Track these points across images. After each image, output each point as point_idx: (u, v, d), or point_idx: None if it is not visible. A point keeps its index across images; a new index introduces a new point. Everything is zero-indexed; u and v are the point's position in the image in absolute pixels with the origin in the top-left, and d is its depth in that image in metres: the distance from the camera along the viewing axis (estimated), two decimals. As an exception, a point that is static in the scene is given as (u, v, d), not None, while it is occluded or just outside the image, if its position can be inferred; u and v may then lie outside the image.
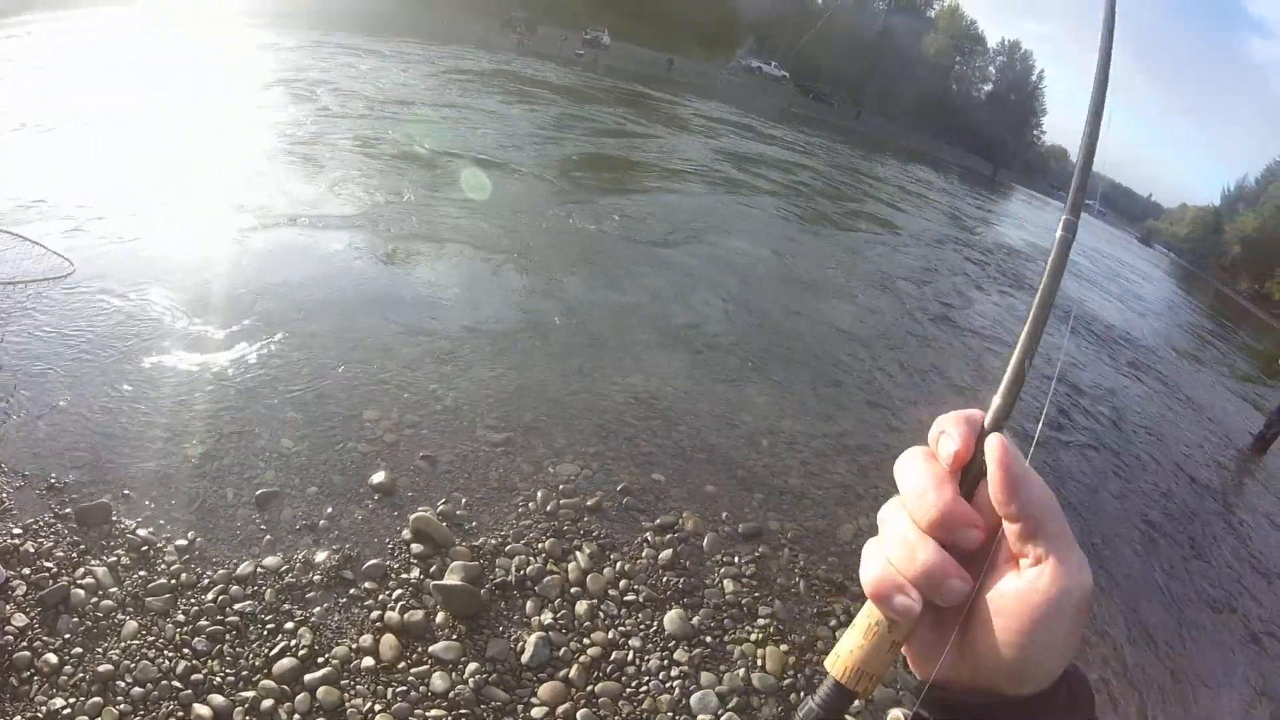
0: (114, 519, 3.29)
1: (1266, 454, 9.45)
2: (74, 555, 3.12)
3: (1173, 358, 12.70)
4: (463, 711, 2.61)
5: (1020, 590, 0.44)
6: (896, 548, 0.47)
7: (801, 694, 2.75)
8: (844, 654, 0.49)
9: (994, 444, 0.45)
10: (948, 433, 0.47)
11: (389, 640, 2.83)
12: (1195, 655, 4.37)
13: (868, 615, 0.49)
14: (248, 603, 2.99)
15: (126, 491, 3.44)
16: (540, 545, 3.30)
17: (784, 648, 2.93)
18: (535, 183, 8.90)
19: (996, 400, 0.48)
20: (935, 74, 60.72)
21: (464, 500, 3.57)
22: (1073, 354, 9.33)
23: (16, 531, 3.18)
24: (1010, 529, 0.45)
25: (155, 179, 7.08)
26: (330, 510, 3.47)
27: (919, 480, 0.47)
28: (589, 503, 3.59)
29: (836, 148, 14.50)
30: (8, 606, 2.87)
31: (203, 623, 2.89)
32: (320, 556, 3.21)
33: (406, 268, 6.09)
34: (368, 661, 2.76)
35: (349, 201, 7.31)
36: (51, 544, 3.15)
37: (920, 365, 6.95)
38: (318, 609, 2.98)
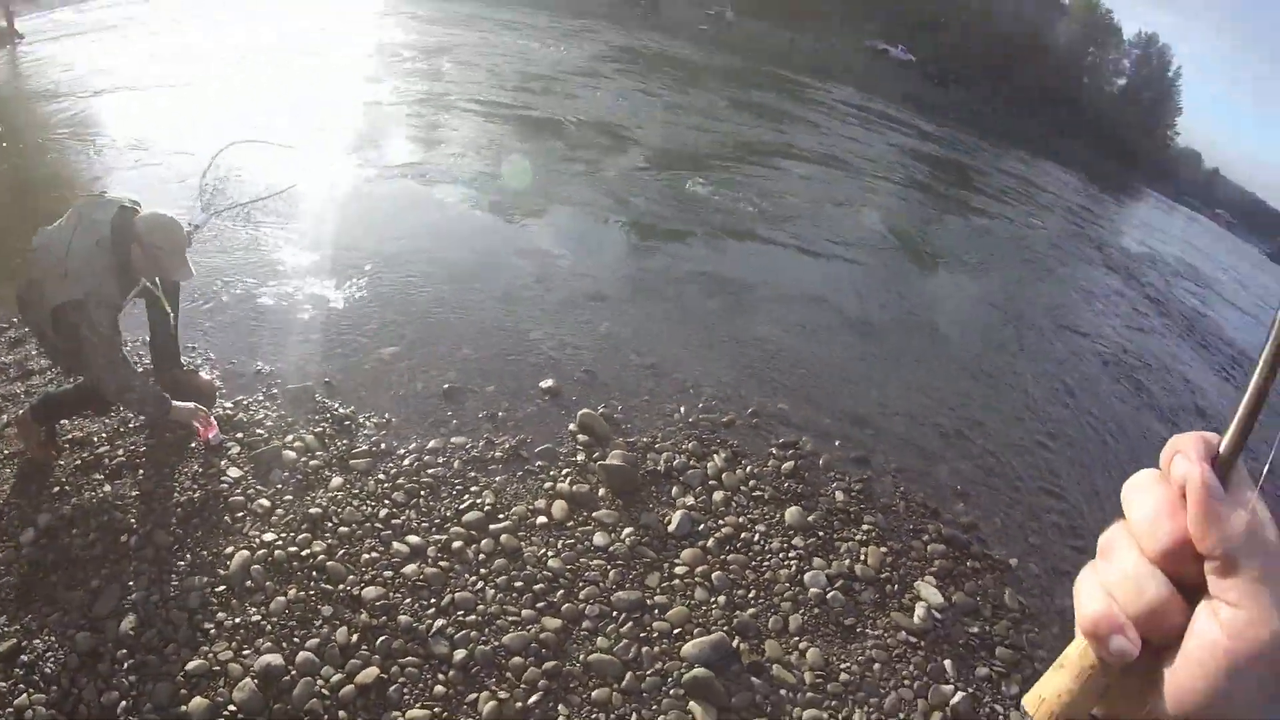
0: (318, 399, 3.77)
1: None
2: (283, 425, 3.59)
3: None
4: (619, 562, 3.10)
5: (1207, 636, 0.38)
6: (1120, 580, 0.41)
7: (895, 587, 3.22)
8: (1049, 696, 0.43)
9: (1189, 470, 0.40)
10: (1183, 453, 0.41)
11: (560, 504, 3.32)
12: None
13: (1080, 656, 0.43)
14: (439, 469, 3.46)
15: (327, 380, 3.94)
16: (685, 446, 3.81)
17: (883, 550, 3.41)
18: (674, 157, 9.46)
19: (1232, 426, 0.40)
20: (1068, 65, 57.01)
21: (620, 406, 4.09)
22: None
23: (229, 405, 3.67)
24: (1206, 565, 0.39)
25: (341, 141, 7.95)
26: (506, 405, 3.97)
27: (1150, 505, 0.41)
28: (724, 419, 4.11)
29: (963, 139, 14.41)
30: (223, 462, 3.35)
31: (400, 481, 3.34)
32: (500, 439, 3.70)
33: (550, 220, 6.72)
34: (541, 520, 3.25)
35: (475, 161, 7.93)
36: (262, 416, 3.64)
37: (1038, 353, 6.99)
38: (499, 478, 3.47)
